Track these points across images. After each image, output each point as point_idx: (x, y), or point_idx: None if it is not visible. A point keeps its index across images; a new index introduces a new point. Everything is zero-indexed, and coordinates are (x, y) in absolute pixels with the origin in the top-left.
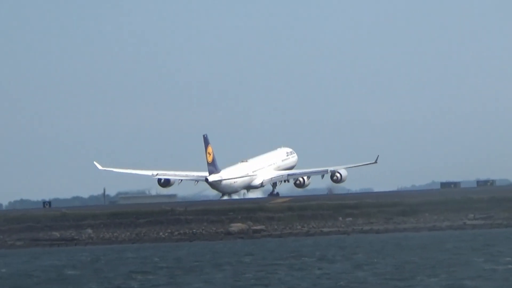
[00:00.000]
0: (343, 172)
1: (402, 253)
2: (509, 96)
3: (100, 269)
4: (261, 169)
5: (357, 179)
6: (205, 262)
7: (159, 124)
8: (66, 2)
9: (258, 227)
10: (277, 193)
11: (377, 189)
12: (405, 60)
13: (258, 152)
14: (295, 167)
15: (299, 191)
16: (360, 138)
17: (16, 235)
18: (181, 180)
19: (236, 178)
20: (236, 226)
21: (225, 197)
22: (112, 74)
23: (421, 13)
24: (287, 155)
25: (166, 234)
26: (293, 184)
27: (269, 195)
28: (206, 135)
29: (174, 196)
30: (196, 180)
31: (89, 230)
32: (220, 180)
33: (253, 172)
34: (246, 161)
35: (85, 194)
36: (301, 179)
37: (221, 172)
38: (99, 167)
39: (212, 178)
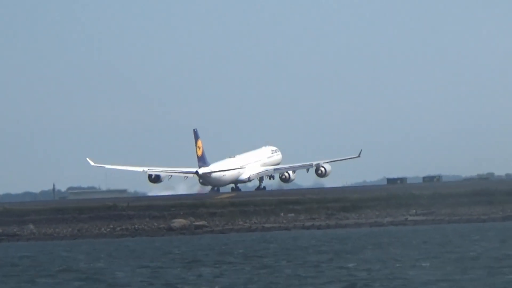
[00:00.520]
0: (327, 167)
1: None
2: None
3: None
4: (248, 164)
5: (307, 176)
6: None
7: (150, 122)
8: None
9: (200, 223)
10: (264, 187)
11: (328, 184)
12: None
13: (244, 150)
14: (279, 165)
15: (284, 186)
16: (334, 134)
17: None
18: (171, 175)
19: (225, 171)
20: (178, 222)
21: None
22: (102, 71)
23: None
24: (272, 153)
25: (108, 229)
26: (279, 179)
27: (256, 189)
28: (196, 130)
29: (124, 191)
30: (185, 176)
31: (31, 226)
32: (210, 173)
33: (240, 167)
34: (234, 157)
35: (36, 189)
36: (286, 174)
37: (210, 166)
38: (92, 163)
39: (202, 170)
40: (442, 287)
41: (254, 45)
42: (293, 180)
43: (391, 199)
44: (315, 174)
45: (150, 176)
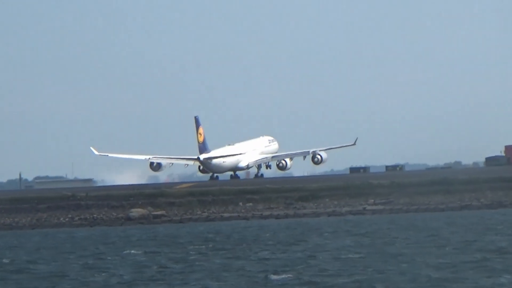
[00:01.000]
0: (323, 154)
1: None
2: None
3: None
4: (246, 152)
5: (303, 164)
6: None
7: (152, 112)
8: None
9: (158, 213)
10: (262, 175)
11: (296, 174)
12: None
13: (242, 139)
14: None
15: (281, 174)
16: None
17: None
18: (172, 163)
19: (225, 157)
20: (136, 212)
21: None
22: (102, 61)
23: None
24: (269, 142)
25: (67, 219)
26: (276, 167)
27: (254, 177)
28: (198, 117)
29: (90, 180)
30: (186, 164)
31: None
32: (211, 159)
33: (240, 154)
34: (233, 144)
35: (3, 178)
36: (283, 161)
37: (211, 152)
38: (95, 152)
39: (203, 156)
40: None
41: (252, 37)
42: (289, 168)
43: (350, 189)
44: (311, 162)
45: (151, 164)
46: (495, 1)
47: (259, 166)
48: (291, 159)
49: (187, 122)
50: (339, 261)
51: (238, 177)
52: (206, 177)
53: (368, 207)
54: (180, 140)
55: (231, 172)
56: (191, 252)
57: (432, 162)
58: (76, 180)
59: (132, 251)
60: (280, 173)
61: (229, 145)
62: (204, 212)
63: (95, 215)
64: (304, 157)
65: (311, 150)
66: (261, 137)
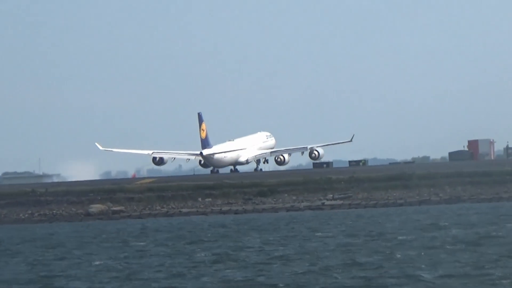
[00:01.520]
0: (321, 150)
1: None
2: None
3: None
4: (245, 148)
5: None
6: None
7: (155, 107)
8: None
9: (118, 208)
10: (261, 169)
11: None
12: None
13: (239, 135)
14: (274, 148)
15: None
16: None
17: None
18: (174, 158)
19: (226, 152)
20: (95, 207)
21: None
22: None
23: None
24: (267, 138)
25: (27, 215)
26: (274, 163)
27: (254, 171)
28: (201, 113)
29: (58, 175)
30: (187, 158)
31: None
32: (213, 154)
33: (241, 149)
34: (233, 140)
35: None
36: (281, 157)
37: (213, 147)
38: (100, 147)
39: (206, 152)
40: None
41: (251, 35)
42: (287, 163)
43: (309, 184)
44: (308, 157)
45: (154, 158)
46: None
47: (258, 161)
48: (289, 154)
49: (189, 118)
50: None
51: (238, 171)
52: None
53: (327, 202)
54: (182, 136)
55: (231, 167)
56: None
57: (400, 157)
58: (45, 176)
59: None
60: (277, 168)
61: (229, 140)
62: (164, 207)
63: (54, 211)
64: (302, 152)
65: (308, 146)
66: (258, 132)
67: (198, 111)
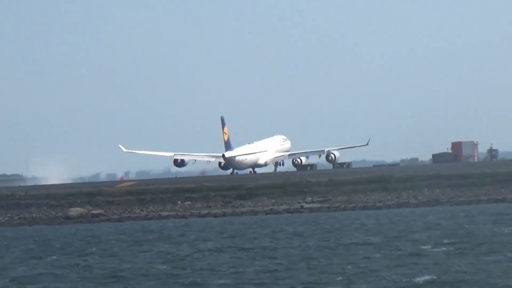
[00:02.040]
0: (337, 153)
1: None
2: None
3: None
4: (266, 150)
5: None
6: None
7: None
8: None
9: (97, 211)
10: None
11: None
12: None
13: (256, 138)
14: (290, 151)
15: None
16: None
17: None
18: (195, 160)
19: (247, 155)
20: (75, 211)
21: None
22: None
23: None
24: (283, 141)
25: (6, 218)
26: (291, 165)
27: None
28: (223, 117)
29: (46, 179)
30: (208, 160)
31: None
32: (235, 156)
33: (261, 151)
34: (252, 143)
35: None
36: (299, 159)
37: (234, 150)
38: (124, 149)
39: (228, 154)
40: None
41: (264, 40)
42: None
43: (288, 187)
44: (325, 160)
45: (175, 160)
46: None
47: (276, 163)
48: (307, 157)
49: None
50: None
51: (255, 173)
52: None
53: (306, 205)
54: (205, 139)
55: (250, 169)
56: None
57: (390, 158)
58: (34, 178)
59: None
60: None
61: (248, 143)
62: (143, 211)
63: (34, 214)
64: (320, 155)
65: (326, 149)
66: (275, 136)
67: (221, 115)
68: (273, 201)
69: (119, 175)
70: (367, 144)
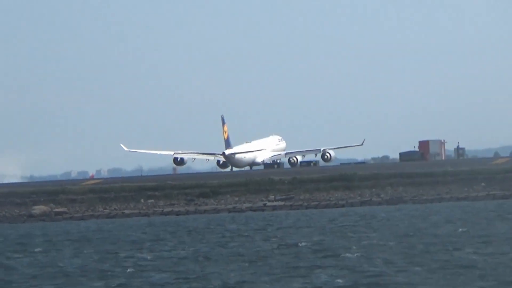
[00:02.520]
0: (332, 153)
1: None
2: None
3: None
4: (265, 149)
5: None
6: None
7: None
8: None
9: (60, 210)
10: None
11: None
12: None
13: (252, 138)
14: (285, 150)
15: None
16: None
17: None
18: (194, 158)
19: (246, 153)
20: (38, 209)
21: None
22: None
23: None
24: (279, 141)
25: None
26: (287, 163)
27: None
28: (223, 116)
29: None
30: (207, 159)
31: None
32: (234, 154)
33: (259, 150)
34: (250, 142)
35: None
36: (294, 158)
37: (233, 148)
38: (125, 148)
39: (228, 152)
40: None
41: (260, 40)
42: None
43: (251, 185)
44: (321, 159)
45: (175, 159)
46: None
47: (273, 162)
48: (303, 156)
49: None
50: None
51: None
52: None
53: (269, 203)
54: (204, 138)
55: (248, 167)
56: None
57: (363, 156)
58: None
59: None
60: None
61: (246, 142)
62: (106, 209)
63: None
64: (315, 154)
65: (322, 148)
66: (271, 136)
67: (221, 114)
68: (236, 199)
69: (91, 173)
70: (362, 144)
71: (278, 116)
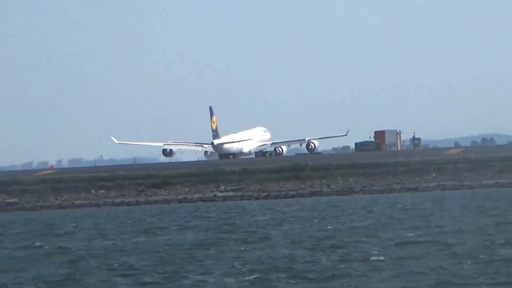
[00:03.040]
0: (316, 143)
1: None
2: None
3: None
4: (252, 139)
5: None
6: None
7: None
8: None
9: (11, 200)
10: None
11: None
12: None
13: (238, 129)
14: (270, 141)
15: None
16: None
17: None
18: (182, 149)
19: (233, 143)
20: None
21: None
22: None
23: None
24: (264, 132)
25: None
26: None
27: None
28: (211, 107)
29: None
30: (195, 150)
31: None
32: (223, 144)
33: (247, 139)
34: (237, 133)
35: None
36: (279, 148)
37: (221, 138)
38: (115, 141)
39: (216, 141)
40: None
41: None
42: (285, 154)
43: (201, 176)
44: (306, 149)
45: (164, 150)
46: None
47: (259, 152)
48: (288, 146)
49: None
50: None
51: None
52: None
53: (219, 194)
54: (193, 129)
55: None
56: None
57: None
58: None
59: None
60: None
61: (234, 133)
62: (57, 199)
63: None
64: (300, 144)
65: (306, 139)
66: (256, 127)
67: (210, 105)
68: (187, 189)
69: (51, 163)
70: (346, 135)
71: (263, 108)
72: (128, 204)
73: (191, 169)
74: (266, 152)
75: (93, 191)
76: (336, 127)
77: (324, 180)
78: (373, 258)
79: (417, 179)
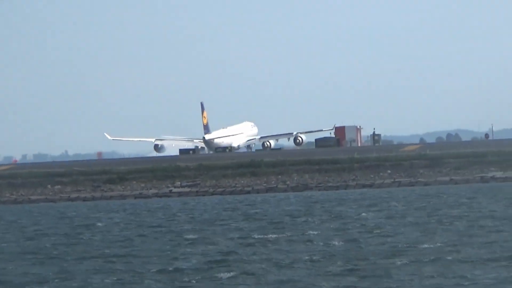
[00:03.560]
0: (304, 137)
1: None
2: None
3: None
4: (242, 133)
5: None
6: None
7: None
8: None
9: None
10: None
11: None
12: None
13: (227, 124)
14: (258, 135)
15: None
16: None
17: None
18: (173, 144)
19: (223, 137)
20: None
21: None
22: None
23: None
24: (252, 127)
25: None
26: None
27: None
28: (202, 103)
29: None
30: (185, 144)
31: None
32: (213, 139)
33: (237, 134)
34: (226, 128)
35: None
36: (267, 142)
37: (212, 133)
38: (109, 137)
39: (208, 137)
40: None
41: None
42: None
43: (157, 171)
44: (293, 143)
45: (156, 145)
46: None
47: (248, 146)
48: (276, 140)
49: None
50: None
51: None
52: None
53: (175, 190)
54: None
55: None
56: None
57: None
58: None
59: None
60: None
61: (223, 128)
62: (13, 194)
63: None
64: (288, 138)
65: (294, 133)
66: (244, 122)
67: (201, 101)
68: (142, 185)
69: (15, 158)
70: (332, 129)
71: (251, 103)
72: (84, 199)
73: (146, 165)
74: (226, 148)
75: (49, 186)
76: (325, 122)
77: (280, 176)
78: None
79: (372, 176)
